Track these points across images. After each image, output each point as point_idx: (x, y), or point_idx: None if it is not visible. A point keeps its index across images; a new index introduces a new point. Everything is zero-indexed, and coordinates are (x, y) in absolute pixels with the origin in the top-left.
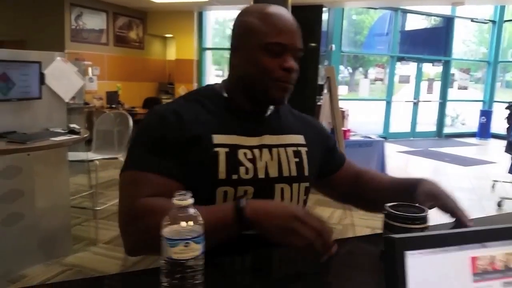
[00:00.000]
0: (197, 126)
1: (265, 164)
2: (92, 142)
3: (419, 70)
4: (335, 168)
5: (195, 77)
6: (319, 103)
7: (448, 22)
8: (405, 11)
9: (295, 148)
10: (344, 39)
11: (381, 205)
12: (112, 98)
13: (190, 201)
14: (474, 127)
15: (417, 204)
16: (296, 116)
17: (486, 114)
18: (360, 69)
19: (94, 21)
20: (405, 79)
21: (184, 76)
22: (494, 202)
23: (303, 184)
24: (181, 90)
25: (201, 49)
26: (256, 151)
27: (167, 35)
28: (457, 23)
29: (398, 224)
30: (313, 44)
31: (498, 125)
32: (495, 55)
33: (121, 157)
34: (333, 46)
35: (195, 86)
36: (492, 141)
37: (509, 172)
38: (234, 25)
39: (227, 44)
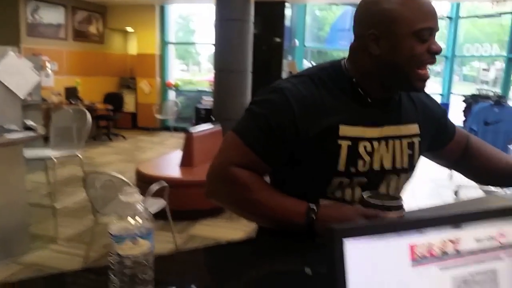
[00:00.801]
0: (324, 116)
1: (381, 156)
2: (50, 139)
3: None
4: (446, 141)
5: (158, 72)
6: None
7: None
8: None
9: (409, 140)
10: (308, 35)
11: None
12: (71, 93)
13: (138, 197)
14: None
15: (392, 194)
16: (412, 97)
17: (444, 106)
18: None
19: (51, 16)
20: None
21: (146, 71)
22: (451, 190)
23: (410, 173)
24: (143, 84)
25: (164, 44)
26: (375, 143)
27: (128, 29)
28: None
29: None
30: (277, 39)
31: (456, 116)
32: (453, 50)
33: (80, 154)
34: (296, 41)
35: (157, 80)
36: None
37: None
38: (372, 12)
39: (191, 38)
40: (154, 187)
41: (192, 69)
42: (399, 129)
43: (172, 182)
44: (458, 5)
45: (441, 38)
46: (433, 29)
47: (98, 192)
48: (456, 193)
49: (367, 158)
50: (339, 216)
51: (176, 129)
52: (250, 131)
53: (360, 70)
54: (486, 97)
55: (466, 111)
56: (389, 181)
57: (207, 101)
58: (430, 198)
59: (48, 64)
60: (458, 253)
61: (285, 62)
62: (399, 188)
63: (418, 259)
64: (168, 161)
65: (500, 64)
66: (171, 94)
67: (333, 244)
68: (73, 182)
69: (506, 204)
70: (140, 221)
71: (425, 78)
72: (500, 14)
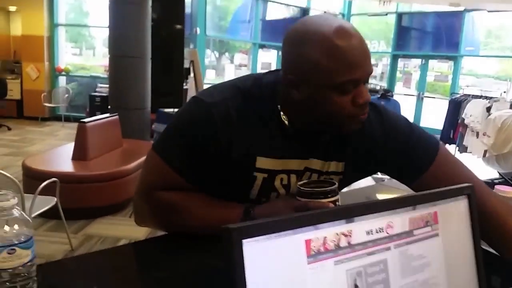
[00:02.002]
0: (246, 143)
1: (296, 189)
2: None
3: (278, 58)
4: (419, 170)
5: (46, 55)
6: (185, 87)
7: (303, 13)
8: (266, 0)
9: (328, 177)
10: (209, 23)
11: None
12: None
13: (13, 201)
14: None
15: (323, 178)
16: (343, 135)
17: None
18: (226, 54)
19: None
20: (267, 66)
21: (33, 54)
22: None
23: None
24: (29, 69)
25: (53, 25)
26: (293, 176)
27: (10, 8)
28: (312, 14)
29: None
30: (178, 26)
31: None
32: None
33: None
34: (198, 29)
35: (46, 65)
36: None
37: None
38: (293, 57)
39: (84, 20)
40: (44, 183)
41: (86, 53)
42: (322, 165)
43: (64, 178)
44: (350, 3)
45: None
46: (358, 80)
47: None
48: None
49: (281, 190)
50: (273, 211)
51: (68, 119)
52: (171, 150)
53: (286, 102)
54: (374, 91)
55: None
56: None
57: (103, 88)
58: None
59: None
60: (351, 246)
61: (186, 51)
62: None
63: (313, 254)
64: (59, 154)
65: (387, 60)
66: (62, 80)
67: (231, 245)
68: None
69: (394, 196)
70: (17, 228)
71: (355, 122)
72: (386, 13)
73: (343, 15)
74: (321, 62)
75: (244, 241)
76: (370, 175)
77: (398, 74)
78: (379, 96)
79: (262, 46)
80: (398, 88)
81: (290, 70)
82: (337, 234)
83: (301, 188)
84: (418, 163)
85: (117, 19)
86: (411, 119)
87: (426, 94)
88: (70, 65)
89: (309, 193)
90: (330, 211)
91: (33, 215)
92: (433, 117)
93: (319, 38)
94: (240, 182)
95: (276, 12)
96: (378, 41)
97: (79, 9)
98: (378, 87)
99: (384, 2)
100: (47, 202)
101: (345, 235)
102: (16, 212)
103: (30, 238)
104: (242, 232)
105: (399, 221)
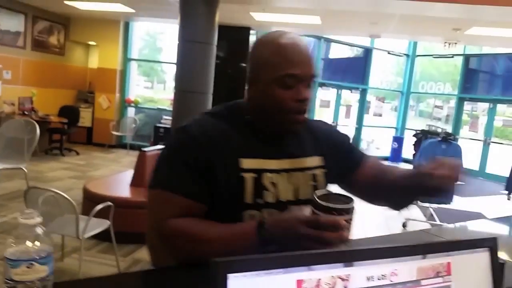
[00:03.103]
0: (226, 148)
1: (284, 188)
2: None
3: (338, 96)
4: (352, 167)
5: (118, 87)
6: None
7: (367, 53)
8: (328, 40)
9: (312, 172)
10: None
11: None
12: (25, 104)
13: (38, 220)
14: (387, 151)
15: (345, 194)
16: (312, 130)
17: (398, 140)
18: None
19: (10, 22)
20: (325, 104)
21: (106, 86)
22: (400, 223)
23: None
24: (101, 99)
25: (126, 59)
26: (277, 175)
27: (90, 43)
28: (375, 54)
29: (323, 215)
30: (243, 64)
31: (408, 150)
32: (408, 86)
33: (25, 167)
34: None
35: (117, 96)
36: (403, 165)
37: None
38: (249, 57)
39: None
40: (98, 206)
41: (157, 87)
42: (300, 162)
43: (119, 202)
44: (415, 44)
45: (399, 75)
46: (298, 76)
47: (39, 209)
48: (404, 225)
49: (272, 189)
50: (284, 225)
51: (133, 147)
52: (170, 178)
53: (251, 108)
54: (435, 133)
55: (416, 146)
56: None
57: (167, 120)
58: (378, 229)
59: (3, 72)
60: None
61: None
62: None
63: None
64: (119, 180)
65: (453, 102)
66: (131, 111)
67: (216, 279)
68: (17, 197)
69: (402, 243)
70: (39, 244)
71: (296, 121)
72: (453, 55)
73: (407, 56)
74: (267, 58)
75: (230, 275)
76: (340, 169)
77: (465, 118)
78: (439, 139)
79: (321, 85)
80: (464, 132)
81: (248, 69)
82: (333, 277)
83: (318, 200)
84: (355, 157)
85: (184, 56)
86: (476, 165)
87: (493, 139)
88: (139, 97)
89: (324, 207)
90: (327, 253)
91: (86, 236)
92: (499, 164)
93: (268, 40)
94: (233, 187)
95: (338, 52)
96: (443, 83)
97: (153, 45)
98: (439, 130)
99: (449, 44)
100: (101, 225)
101: (342, 279)
102: (39, 230)
103: (49, 255)
104: (228, 266)
105: (405, 269)
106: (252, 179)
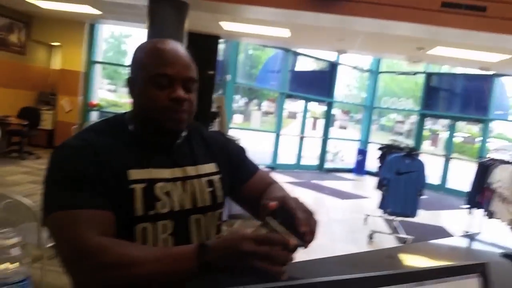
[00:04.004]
0: (112, 162)
1: (180, 197)
2: None
3: (305, 108)
4: (243, 179)
5: (81, 90)
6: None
7: (332, 67)
8: (296, 53)
9: (208, 178)
10: (240, 71)
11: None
12: None
13: (15, 240)
14: (351, 163)
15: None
16: (205, 139)
17: (362, 152)
18: (255, 101)
19: None
20: (293, 115)
21: (69, 88)
22: (366, 235)
23: (217, 211)
24: (63, 102)
25: (90, 62)
26: (170, 184)
27: (53, 43)
28: (341, 68)
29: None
30: (210, 72)
31: (372, 163)
32: (371, 101)
33: None
34: (229, 76)
35: (80, 99)
36: (367, 177)
37: (379, 207)
38: (131, 60)
39: (122, 59)
40: None
41: (121, 90)
42: (194, 170)
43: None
44: (379, 60)
45: (362, 89)
46: (171, 76)
47: None
48: (370, 237)
49: (165, 198)
50: (229, 243)
51: None
52: (66, 196)
53: (134, 115)
54: (399, 148)
55: (381, 159)
56: (198, 221)
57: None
58: (345, 242)
59: None
60: None
61: (214, 96)
62: (210, 228)
63: None
64: None
65: (414, 118)
66: (93, 115)
67: None
68: None
69: (398, 271)
70: (16, 266)
71: (173, 119)
72: (415, 73)
73: (371, 71)
74: (143, 60)
75: None
76: (231, 181)
77: (426, 133)
78: (404, 154)
79: (289, 96)
80: (425, 146)
81: (129, 72)
82: None
83: (268, 219)
84: (247, 170)
85: None
86: (437, 180)
87: (453, 155)
88: (103, 101)
89: (274, 229)
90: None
91: (48, 245)
92: (459, 179)
93: (147, 44)
94: (122, 200)
95: (305, 64)
96: (406, 99)
97: (118, 48)
98: (403, 145)
99: (413, 61)
100: None
101: None
102: (16, 251)
103: (27, 279)
104: None
105: None
106: (142, 190)
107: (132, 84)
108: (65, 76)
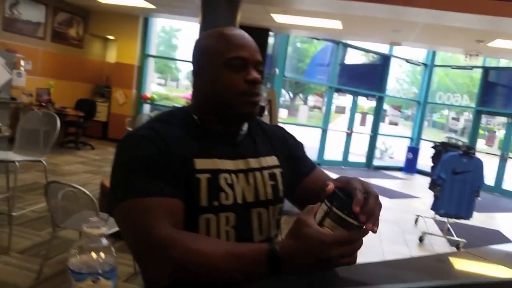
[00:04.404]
0: (180, 149)
1: (242, 189)
2: (15, 141)
3: (354, 103)
4: (301, 175)
5: (135, 83)
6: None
7: (384, 60)
8: (346, 45)
9: (270, 171)
10: (288, 65)
11: None
12: (43, 95)
13: (103, 229)
14: (401, 161)
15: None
16: (266, 132)
17: (413, 150)
18: (301, 95)
19: (31, 13)
20: (341, 110)
21: (123, 81)
22: (416, 236)
23: (278, 206)
24: (118, 94)
25: (144, 56)
26: (233, 176)
27: (109, 37)
28: (393, 62)
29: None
30: None
31: (423, 161)
32: (425, 96)
33: (44, 160)
34: (277, 70)
35: (133, 92)
36: (417, 176)
37: (431, 208)
38: (193, 51)
39: (172, 53)
40: None
41: (170, 84)
42: (255, 162)
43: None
44: (434, 53)
45: (414, 84)
46: (245, 58)
47: (59, 203)
48: (420, 239)
49: (228, 190)
50: (306, 251)
51: None
52: (139, 183)
53: (198, 106)
54: (456, 146)
55: (435, 158)
56: (260, 215)
57: None
58: (395, 243)
59: (22, 63)
60: None
61: (265, 89)
62: (271, 222)
63: None
64: None
65: (468, 115)
66: (146, 108)
67: None
68: (34, 189)
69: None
70: (103, 256)
71: (250, 103)
72: (472, 67)
73: (425, 65)
74: (214, 46)
75: None
76: (289, 177)
77: (480, 131)
78: (461, 152)
79: (337, 90)
80: (480, 145)
81: (193, 62)
82: None
83: (336, 211)
84: (305, 166)
85: None
86: (492, 181)
87: (510, 154)
88: (155, 94)
89: (343, 219)
90: None
91: (107, 234)
92: None
93: (212, 32)
94: (186, 191)
95: (354, 57)
96: (461, 95)
97: (169, 42)
98: (460, 143)
99: (470, 56)
100: None
101: None
102: (104, 241)
103: (113, 269)
104: None
105: None
106: (207, 180)
107: (200, 73)
108: (120, 69)
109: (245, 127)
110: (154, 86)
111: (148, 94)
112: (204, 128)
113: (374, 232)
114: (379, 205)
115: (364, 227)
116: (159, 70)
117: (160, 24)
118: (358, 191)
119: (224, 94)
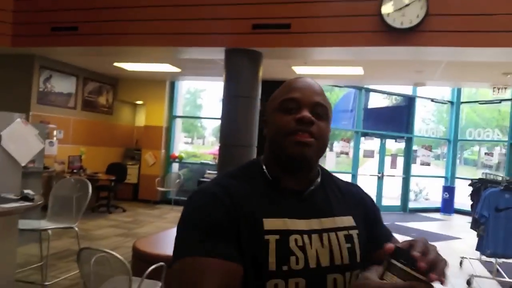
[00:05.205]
0: (248, 209)
1: (316, 252)
2: (47, 208)
3: (382, 146)
4: (378, 242)
5: (164, 144)
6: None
7: (409, 101)
8: (368, 90)
9: (346, 232)
10: None
11: None
12: (75, 162)
13: None
14: (437, 202)
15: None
16: (341, 190)
17: (449, 189)
18: None
19: (63, 85)
20: (369, 154)
21: (152, 142)
22: (463, 280)
23: (355, 272)
24: (147, 156)
25: (171, 117)
26: (306, 237)
27: (137, 102)
28: (418, 102)
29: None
30: None
31: (460, 200)
32: (455, 134)
33: (76, 226)
34: None
35: (162, 152)
36: (456, 216)
37: (476, 249)
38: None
39: (197, 112)
40: (152, 267)
41: (196, 142)
42: (330, 222)
43: (170, 261)
44: (459, 90)
45: (441, 122)
46: (297, 99)
47: (91, 270)
48: (468, 282)
49: (299, 254)
50: None
51: (177, 203)
52: (201, 242)
53: (265, 156)
54: (495, 182)
55: (474, 196)
56: (335, 281)
57: (211, 174)
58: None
59: (54, 132)
60: None
61: None
62: None
63: None
64: (168, 237)
65: (500, 149)
66: (175, 167)
67: None
68: (67, 256)
69: None
70: None
71: (296, 142)
72: (500, 101)
73: (451, 102)
74: (275, 94)
75: None
76: (368, 235)
77: None
78: (502, 188)
79: (364, 134)
80: None
81: (264, 113)
82: None
83: (400, 265)
84: (383, 232)
85: (228, 111)
86: None
87: None
88: (183, 152)
89: (406, 273)
90: None
91: None
92: None
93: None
94: (254, 253)
95: (377, 101)
96: (491, 129)
97: (194, 103)
98: (499, 178)
99: (498, 89)
100: (153, 287)
101: None
102: None
103: None
104: None
105: None
106: (276, 242)
107: (265, 122)
108: (148, 132)
109: (316, 181)
110: (181, 145)
111: (176, 153)
112: (273, 181)
113: (442, 282)
114: (443, 260)
115: (426, 278)
116: (185, 129)
117: (186, 86)
118: (417, 242)
119: (276, 136)
